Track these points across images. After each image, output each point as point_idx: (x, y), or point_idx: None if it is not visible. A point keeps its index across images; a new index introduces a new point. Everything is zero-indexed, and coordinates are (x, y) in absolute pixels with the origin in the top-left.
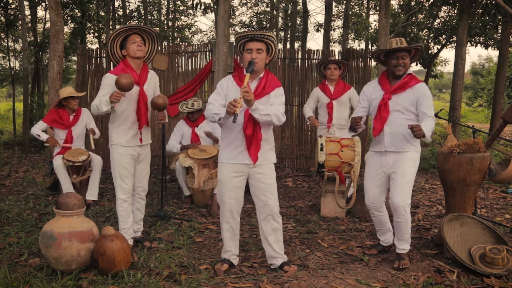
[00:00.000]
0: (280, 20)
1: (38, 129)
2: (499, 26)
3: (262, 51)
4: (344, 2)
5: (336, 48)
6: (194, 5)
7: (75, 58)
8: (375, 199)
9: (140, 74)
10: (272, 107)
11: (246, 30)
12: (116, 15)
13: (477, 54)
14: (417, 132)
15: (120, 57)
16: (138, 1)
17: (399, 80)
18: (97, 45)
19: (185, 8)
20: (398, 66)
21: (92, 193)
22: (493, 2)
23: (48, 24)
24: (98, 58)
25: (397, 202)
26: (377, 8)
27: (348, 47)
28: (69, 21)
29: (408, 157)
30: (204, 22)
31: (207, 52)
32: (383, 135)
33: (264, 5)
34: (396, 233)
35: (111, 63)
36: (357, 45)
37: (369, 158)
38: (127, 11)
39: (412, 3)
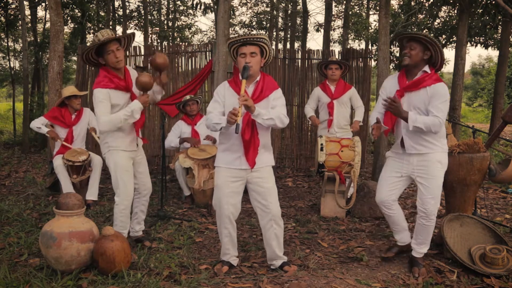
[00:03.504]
0: (280, 20)
1: (39, 123)
2: (499, 26)
3: (256, 54)
4: (344, 2)
5: (336, 48)
6: (194, 5)
7: (75, 58)
8: (385, 198)
9: (126, 79)
10: (274, 110)
11: (241, 33)
12: (116, 15)
13: (477, 54)
14: (391, 105)
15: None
16: (138, 1)
17: (416, 77)
18: None
19: (185, 8)
20: (404, 56)
21: (92, 193)
22: (493, 2)
23: (48, 24)
24: None
25: (430, 208)
26: (377, 8)
27: (348, 47)
28: (69, 21)
29: (435, 159)
30: (204, 22)
31: (207, 52)
32: (400, 135)
33: (264, 5)
34: (419, 236)
35: None
36: (357, 45)
37: (388, 158)
38: (127, 11)
39: (412, 3)
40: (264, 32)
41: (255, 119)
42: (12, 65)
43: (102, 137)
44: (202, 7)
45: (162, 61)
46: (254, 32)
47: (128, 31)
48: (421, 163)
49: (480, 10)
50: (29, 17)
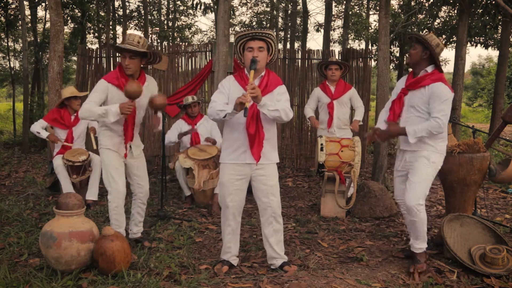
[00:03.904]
0: (280, 20)
1: (38, 127)
2: (499, 26)
3: (263, 49)
4: (344, 2)
5: (336, 48)
6: (194, 5)
7: (75, 58)
8: (397, 196)
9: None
10: (279, 103)
11: (246, 29)
12: (116, 15)
13: (477, 54)
14: (382, 136)
15: None
16: (138, 1)
17: (419, 75)
18: (97, 45)
19: (185, 8)
20: (408, 55)
21: (92, 193)
22: (493, 2)
23: (48, 24)
24: (98, 58)
25: (408, 202)
26: (377, 8)
27: (348, 47)
28: (69, 21)
29: (423, 156)
30: (204, 22)
31: (207, 52)
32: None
33: (264, 5)
34: (412, 232)
35: (111, 63)
36: (357, 45)
37: (396, 154)
38: (127, 11)
39: (412, 3)
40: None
41: (260, 110)
42: (12, 65)
43: (97, 134)
44: (202, 7)
45: (160, 102)
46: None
47: (128, 31)
48: (411, 159)
49: (480, 10)
50: (29, 17)
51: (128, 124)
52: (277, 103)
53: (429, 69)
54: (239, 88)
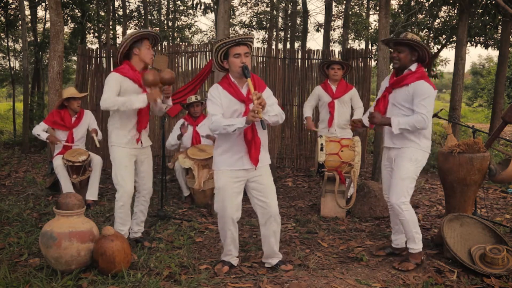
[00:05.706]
0: (280, 20)
1: (39, 130)
2: (499, 26)
3: (249, 54)
4: (344, 2)
5: (336, 48)
6: (194, 5)
7: (75, 58)
8: (386, 190)
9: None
10: (274, 107)
11: (241, 33)
12: (116, 15)
13: (477, 54)
14: (371, 119)
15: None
16: (138, 1)
17: (401, 74)
18: (97, 45)
19: (185, 8)
20: (393, 59)
21: (92, 193)
22: (493, 2)
23: (48, 24)
24: (98, 58)
25: (391, 199)
26: (377, 8)
27: (348, 47)
28: (69, 21)
29: (406, 154)
30: (204, 22)
31: (207, 52)
32: (383, 130)
33: (264, 5)
34: (405, 232)
35: (111, 63)
36: (357, 45)
37: (383, 150)
38: (127, 11)
39: (412, 3)
40: (263, 32)
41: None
42: (12, 65)
43: (108, 133)
44: (202, 7)
45: (169, 76)
46: (242, 32)
47: (128, 31)
48: (395, 157)
49: (480, 10)
50: (29, 17)
51: (142, 113)
52: (274, 108)
53: (413, 67)
54: (229, 98)
